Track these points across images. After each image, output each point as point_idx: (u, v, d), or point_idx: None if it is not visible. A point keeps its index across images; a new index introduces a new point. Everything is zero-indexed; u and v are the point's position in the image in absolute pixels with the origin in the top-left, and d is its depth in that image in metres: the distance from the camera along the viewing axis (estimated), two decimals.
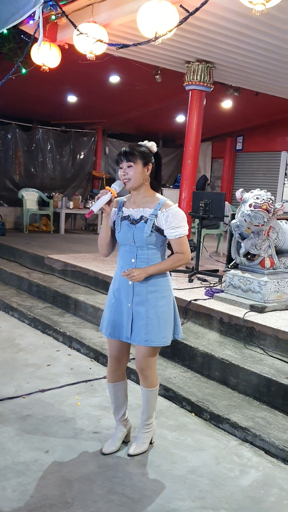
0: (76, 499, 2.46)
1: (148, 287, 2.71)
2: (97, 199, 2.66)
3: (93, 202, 2.71)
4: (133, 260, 2.70)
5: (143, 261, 2.69)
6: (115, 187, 2.68)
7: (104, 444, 2.95)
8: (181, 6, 3.72)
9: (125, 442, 3.01)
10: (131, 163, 2.61)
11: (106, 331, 2.84)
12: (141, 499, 2.49)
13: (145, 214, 2.67)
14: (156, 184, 2.77)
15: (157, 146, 2.77)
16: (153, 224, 2.65)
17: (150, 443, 2.99)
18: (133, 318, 2.73)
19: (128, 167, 2.62)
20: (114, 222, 2.77)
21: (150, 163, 2.67)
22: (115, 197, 2.72)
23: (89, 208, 10.89)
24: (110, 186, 2.67)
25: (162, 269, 2.70)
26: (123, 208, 2.75)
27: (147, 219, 2.65)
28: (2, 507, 2.35)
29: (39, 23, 4.26)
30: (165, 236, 2.69)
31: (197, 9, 3.49)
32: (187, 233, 2.70)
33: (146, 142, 2.72)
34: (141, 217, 2.67)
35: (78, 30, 4.55)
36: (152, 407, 2.92)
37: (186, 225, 2.69)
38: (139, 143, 2.71)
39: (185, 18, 3.68)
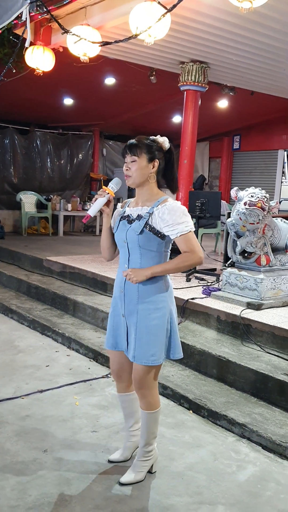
0: (75, 497, 2.48)
1: (139, 297, 2.45)
2: (95, 201, 2.51)
3: (91, 204, 2.53)
4: (126, 266, 2.50)
5: (136, 267, 2.44)
6: (112, 186, 2.53)
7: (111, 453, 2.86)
8: (158, 3, 3.78)
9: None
10: (135, 157, 2.39)
11: (108, 343, 2.64)
12: (139, 496, 2.51)
13: (142, 212, 2.45)
14: (165, 183, 2.54)
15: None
16: (146, 222, 2.40)
17: (150, 472, 2.70)
18: (127, 330, 2.53)
19: (132, 161, 2.41)
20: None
21: (157, 159, 2.43)
22: (113, 197, 2.54)
23: (87, 210, 10.90)
24: (107, 186, 2.52)
25: (167, 269, 2.42)
26: (127, 207, 2.57)
27: (142, 217, 2.43)
28: (1, 505, 2.38)
29: (26, 24, 4.30)
30: (162, 240, 2.41)
31: (174, 6, 3.54)
32: (191, 230, 2.38)
33: (158, 137, 2.48)
34: (138, 215, 2.45)
35: (62, 28, 4.56)
36: (151, 432, 2.62)
37: (188, 221, 2.38)
38: (150, 137, 2.47)
39: (163, 15, 3.75)
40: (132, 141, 2.43)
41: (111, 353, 2.69)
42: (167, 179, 2.54)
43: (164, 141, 2.47)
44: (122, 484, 2.59)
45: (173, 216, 2.36)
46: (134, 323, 2.47)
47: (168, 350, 2.53)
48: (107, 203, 2.53)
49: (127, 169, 2.44)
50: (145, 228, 2.40)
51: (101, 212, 2.55)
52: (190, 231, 2.38)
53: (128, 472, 2.65)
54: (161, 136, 2.50)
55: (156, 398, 2.59)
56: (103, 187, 2.53)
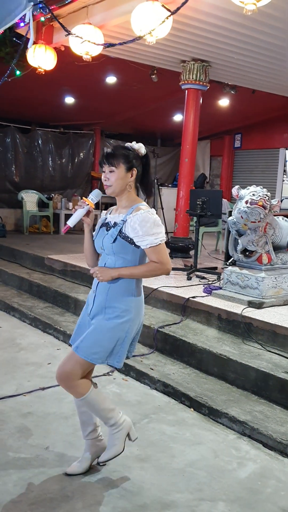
0: (76, 493, 2.50)
1: (107, 301, 2.48)
2: (74, 212, 2.55)
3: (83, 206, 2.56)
4: None
5: None
6: (92, 197, 2.56)
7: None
8: (163, 6, 3.81)
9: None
10: (113, 168, 2.42)
11: (72, 338, 2.68)
12: (140, 492, 2.53)
13: (118, 219, 2.48)
14: (143, 189, 2.56)
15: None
16: (120, 230, 2.43)
17: (131, 440, 2.68)
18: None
19: (110, 171, 2.43)
20: None
21: (135, 168, 2.46)
22: (93, 208, 2.57)
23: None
24: (87, 197, 2.56)
25: (134, 273, 2.45)
26: (109, 215, 2.60)
27: (117, 225, 2.46)
28: (4, 501, 2.40)
29: (29, 25, 4.33)
30: (137, 247, 2.43)
31: (178, 9, 3.56)
32: (160, 242, 2.41)
33: (133, 144, 2.52)
34: (114, 223, 2.48)
35: (66, 30, 4.59)
36: (101, 410, 2.58)
37: (159, 232, 2.40)
38: (125, 144, 2.52)
39: (166, 18, 3.77)
40: (109, 151, 2.45)
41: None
42: (144, 183, 2.56)
43: (140, 148, 2.50)
44: (101, 464, 2.64)
45: (143, 228, 2.38)
46: (94, 321, 2.51)
47: (110, 355, 2.49)
48: (87, 214, 2.57)
49: (105, 179, 2.46)
50: (119, 236, 2.43)
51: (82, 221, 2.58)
52: (160, 243, 2.41)
53: (105, 450, 2.65)
54: (146, 140, 2.51)
55: (82, 384, 2.54)
56: (83, 198, 2.57)
